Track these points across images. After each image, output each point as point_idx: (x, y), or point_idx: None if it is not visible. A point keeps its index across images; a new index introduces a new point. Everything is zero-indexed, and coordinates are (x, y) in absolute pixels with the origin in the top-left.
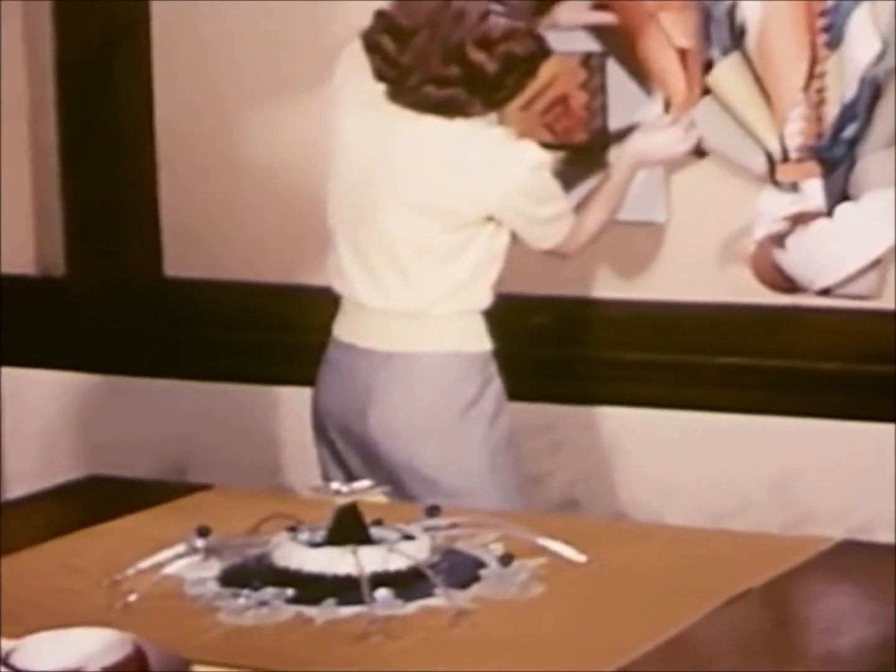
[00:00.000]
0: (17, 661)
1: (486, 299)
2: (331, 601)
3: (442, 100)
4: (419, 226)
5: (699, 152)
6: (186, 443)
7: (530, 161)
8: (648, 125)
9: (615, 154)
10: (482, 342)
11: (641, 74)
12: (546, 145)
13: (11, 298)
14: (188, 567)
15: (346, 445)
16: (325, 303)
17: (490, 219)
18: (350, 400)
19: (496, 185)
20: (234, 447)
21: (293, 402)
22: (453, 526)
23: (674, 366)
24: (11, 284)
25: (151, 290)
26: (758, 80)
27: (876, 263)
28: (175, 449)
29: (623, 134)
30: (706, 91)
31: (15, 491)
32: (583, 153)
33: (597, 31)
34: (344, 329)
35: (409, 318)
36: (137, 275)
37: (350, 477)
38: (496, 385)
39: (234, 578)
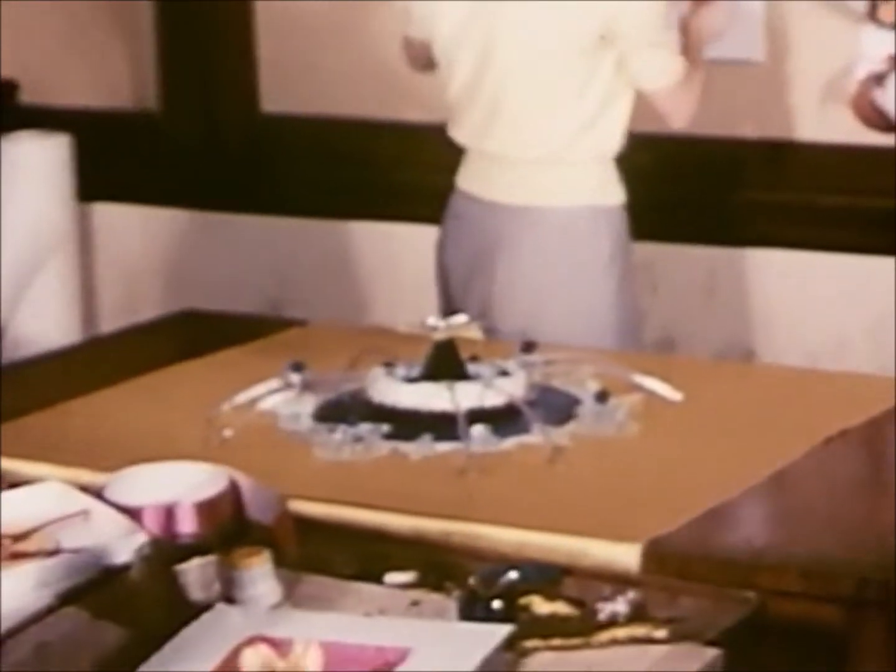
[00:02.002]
0: (111, 494)
1: (616, 141)
2: (427, 437)
3: None
4: (537, 63)
5: None
6: (281, 279)
7: None
8: (693, 8)
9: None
10: (616, 195)
11: None
12: None
13: (105, 133)
14: (283, 402)
15: (465, 301)
16: (425, 140)
17: (603, 39)
18: (475, 254)
19: None
20: (329, 284)
21: (389, 238)
22: (549, 362)
23: (772, 205)
24: (105, 119)
25: (247, 126)
26: None
27: None
28: (270, 285)
29: None
30: None
31: (108, 326)
32: None
33: None
34: (469, 180)
35: (539, 166)
36: (233, 109)
37: None
38: (628, 242)
39: (330, 414)
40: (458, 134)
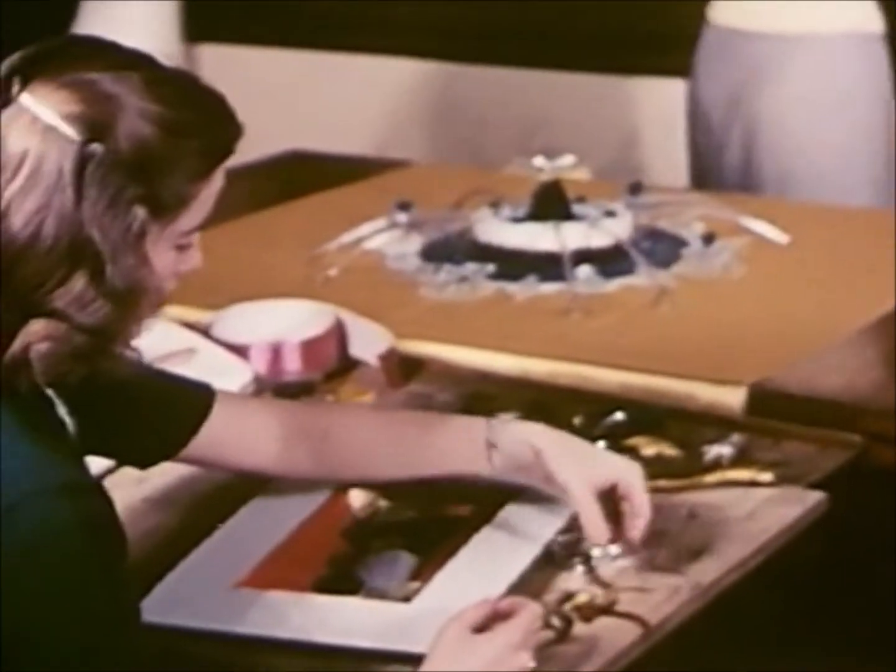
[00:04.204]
0: (217, 332)
1: None
2: (532, 277)
3: None
4: None
5: None
6: (388, 119)
7: None
8: None
9: None
10: (879, 23)
11: None
12: None
13: None
14: (389, 242)
15: (726, 137)
16: None
17: None
18: (736, 88)
19: None
20: (436, 124)
21: (493, 80)
22: (656, 204)
23: None
24: None
25: None
26: None
27: None
28: (377, 125)
29: None
30: None
31: None
32: None
33: None
34: (726, 14)
35: None
36: None
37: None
38: (891, 75)
39: (435, 253)
40: None
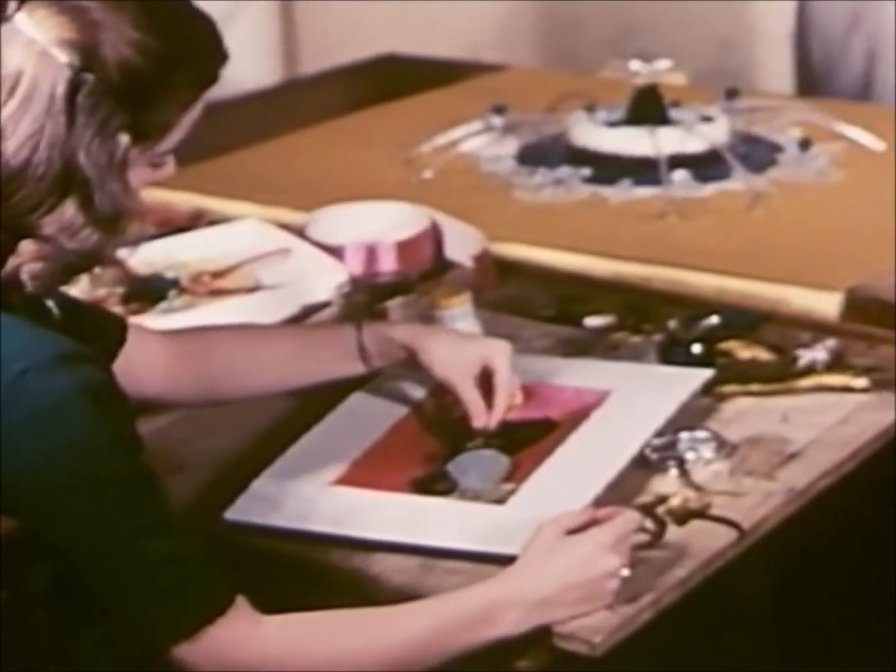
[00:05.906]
0: (312, 233)
1: None
2: (627, 181)
3: None
4: None
5: None
6: (484, 22)
7: None
8: None
9: None
10: None
11: None
12: None
13: None
14: (484, 144)
15: (844, 54)
16: None
17: None
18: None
19: None
20: (531, 26)
21: None
22: (752, 109)
23: None
24: None
25: None
26: None
27: None
28: (472, 28)
29: None
30: None
31: (308, 69)
32: None
33: None
34: None
35: None
36: None
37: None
38: None
39: (531, 156)
40: None
